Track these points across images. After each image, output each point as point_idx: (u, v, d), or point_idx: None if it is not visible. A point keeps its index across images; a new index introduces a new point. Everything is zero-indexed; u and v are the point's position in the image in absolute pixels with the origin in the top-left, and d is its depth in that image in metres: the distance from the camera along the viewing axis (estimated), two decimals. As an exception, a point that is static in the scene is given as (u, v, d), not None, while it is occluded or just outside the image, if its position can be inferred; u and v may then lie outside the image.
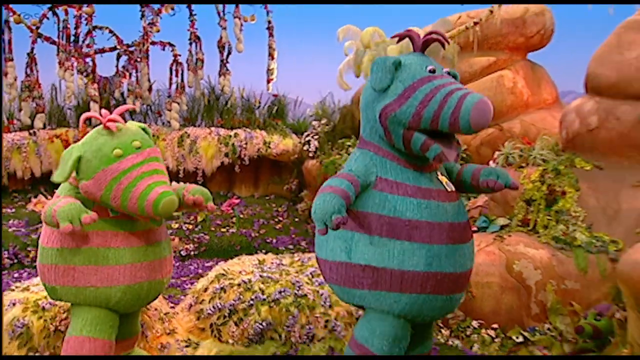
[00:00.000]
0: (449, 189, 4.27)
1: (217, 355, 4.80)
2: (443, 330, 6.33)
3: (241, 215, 11.60)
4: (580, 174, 7.03)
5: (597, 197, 6.78)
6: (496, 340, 6.07)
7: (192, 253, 10.77)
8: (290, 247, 10.74)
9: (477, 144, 11.64)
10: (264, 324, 6.18)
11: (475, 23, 7.50)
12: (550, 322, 6.10)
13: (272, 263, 7.11)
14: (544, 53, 11.42)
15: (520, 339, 6.03)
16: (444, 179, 4.34)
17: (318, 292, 6.32)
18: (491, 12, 7.48)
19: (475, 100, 3.77)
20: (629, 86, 6.90)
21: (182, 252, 10.62)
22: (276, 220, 11.69)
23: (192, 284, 8.60)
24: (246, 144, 11.83)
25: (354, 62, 7.60)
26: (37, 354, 5.62)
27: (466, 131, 3.83)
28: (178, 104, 12.01)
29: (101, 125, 4.48)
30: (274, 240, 11.02)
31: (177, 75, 12.39)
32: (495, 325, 6.20)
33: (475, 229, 7.21)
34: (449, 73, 4.18)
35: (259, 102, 12.59)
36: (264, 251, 10.14)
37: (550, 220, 6.74)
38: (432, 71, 4.03)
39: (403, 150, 4.07)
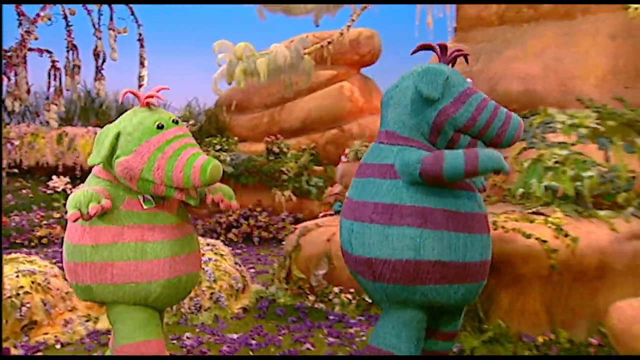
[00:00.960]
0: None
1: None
2: (310, 297, 6.72)
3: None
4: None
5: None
6: (353, 301, 6.51)
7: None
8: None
9: (323, 143, 12.29)
10: (157, 298, 6.42)
11: (329, 42, 8.01)
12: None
13: (162, 246, 7.15)
14: (374, 69, 12.34)
15: (372, 300, 6.56)
16: None
17: (203, 269, 6.57)
18: (341, 34, 8.02)
19: (520, 120, 3.86)
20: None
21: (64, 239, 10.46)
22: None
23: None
24: (121, 142, 11.79)
25: (227, 72, 7.94)
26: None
27: (506, 144, 3.83)
28: (56, 105, 11.75)
29: (137, 106, 3.95)
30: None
31: (55, 80, 12.09)
32: (352, 290, 6.60)
33: (332, 212, 7.75)
34: None
35: (132, 105, 12.52)
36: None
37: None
38: None
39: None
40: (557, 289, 4.89)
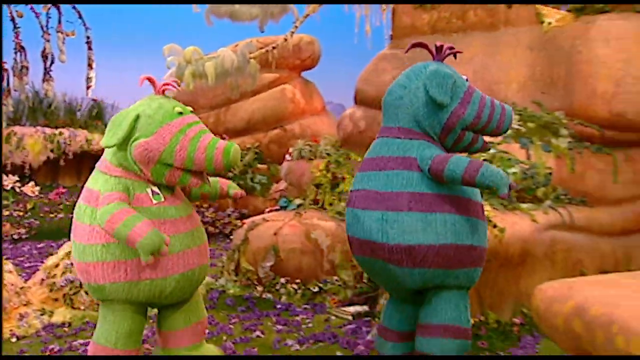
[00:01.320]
0: None
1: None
2: (258, 287, 6.81)
3: (67, 203, 11.37)
4: (355, 165, 7.83)
5: (367, 182, 7.68)
6: (299, 291, 6.68)
7: (23, 237, 10.43)
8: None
9: (266, 142, 12.38)
10: (112, 291, 6.40)
11: (274, 47, 8.13)
12: (338, 275, 6.79)
13: (115, 240, 7.08)
14: (314, 72, 12.53)
15: (317, 289, 6.66)
16: None
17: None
18: (285, 39, 8.15)
19: (510, 109, 4.02)
20: None
21: (14, 236, 10.25)
22: (100, 206, 11.62)
23: (30, 263, 8.48)
24: (70, 141, 11.60)
25: (176, 74, 7.96)
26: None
27: (503, 133, 4.01)
28: (5, 105, 11.43)
29: (151, 93, 3.82)
30: (100, 223, 10.96)
31: (3, 80, 11.74)
32: (298, 280, 6.75)
33: (278, 207, 7.87)
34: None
35: (80, 106, 12.37)
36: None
37: (335, 199, 7.44)
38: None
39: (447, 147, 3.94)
40: (486, 274, 5.10)
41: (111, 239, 3.47)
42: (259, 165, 11.98)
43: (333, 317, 6.09)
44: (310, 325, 5.87)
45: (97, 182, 3.66)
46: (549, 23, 7.16)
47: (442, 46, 4.10)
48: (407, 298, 4.13)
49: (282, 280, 6.80)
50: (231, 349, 5.02)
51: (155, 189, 3.70)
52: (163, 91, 3.77)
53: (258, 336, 5.50)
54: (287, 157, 8.23)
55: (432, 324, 3.84)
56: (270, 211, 7.84)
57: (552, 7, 7.65)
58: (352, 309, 6.14)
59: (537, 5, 7.37)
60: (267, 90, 12.09)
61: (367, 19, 7.96)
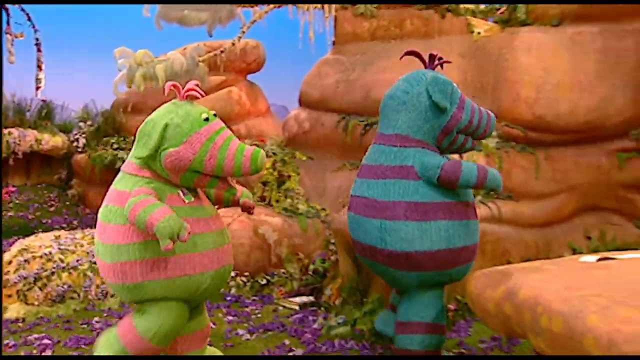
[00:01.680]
0: None
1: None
2: None
3: (17, 201, 11.04)
4: (300, 163, 7.95)
5: (311, 179, 7.73)
6: (248, 284, 6.74)
7: (-28, 235, 10.05)
8: (64, 225, 10.44)
9: (213, 141, 12.28)
10: (65, 286, 6.23)
11: (222, 51, 8.12)
12: (285, 268, 6.89)
13: (67, 238, 6.99)
14: (258, 75, 12.54)
15: (264, 281, 6.73)
16: None
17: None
18: (233, 43, 8.15)
19: (493, 115, 4.19)
20: (328, 103, 7.87)
21: (-36, 235, 9.86)
22: (49, 204, 11.29)
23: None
24: (19, 141, 11.23)
25: (127, 76, 7.85)
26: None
27: (488, 136, 4.21)
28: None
29: (175, 99, 3.70)
30: (49, 221, 10.65)
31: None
32: (247, 273, 6.79)
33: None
34: None
35: (30, 106, 11.99)
36: (40, 230, 9.80)
37: (281, 196, 7.52)
38: None
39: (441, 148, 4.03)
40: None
41: (148, 236, 3.35)
42: (207, 164, 11.88)
43: (281, 308, 6.16)
44: (259, 315, 5.92)
45: (128, 184, 3.56)
46: (479, 33, 7.41)
47: (434, 55, 4.20)
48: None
49: (232, 273, 6.76)
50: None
51: (184, 190, 3.67)
52: (187, 96, 3.66)
53: (210, 326, 5.50)
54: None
55: (413, 321, 3.99)
56: (219, 208, 7.80)
57: (481, 18, 7.92)
58: (298, 299, 6.22)
59: (468, 17, 7.62)
60: (214, 92, 12.01)
61: (310, 26, 8.05)
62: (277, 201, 7.48)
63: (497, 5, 8.00)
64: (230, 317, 5.81)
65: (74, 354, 4.83)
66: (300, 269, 6.76)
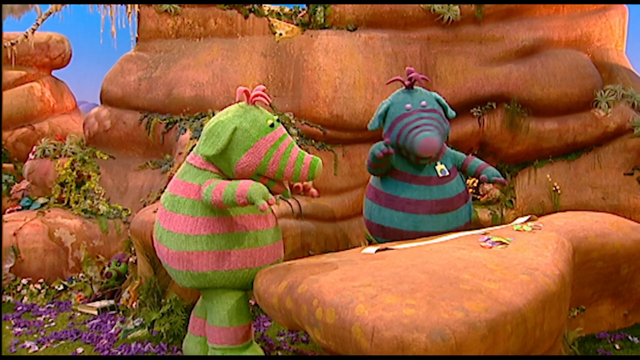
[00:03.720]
0: (441, 175, 4.71)
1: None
2: None
3: None
4: (101, 162, 7.46)
5: (113, 179, 7.29)
6: (42, 291, 6.16)
7: None
8: None
9: (13, 141, 11.15)
10: None
11: (12, 44, 7.33)
12: (84, 272, 6.40)
13: None
14: (66, 72, 11.64)
15: (61, 287, 6.18)
16: (439, 168, 4.65)
17: None
18: (26, 36, 7.40)
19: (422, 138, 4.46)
20: (130, 100, 7.46)
21: None
22: None
23: None
24: None
25: None
26: None
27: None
28: None
29: (243, 102, 3.79)
30: None
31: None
32: (41, 280, 6.20)
33: (19, 207, 7.13)
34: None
35: None
36: None
37: (80, 197, 7.00)
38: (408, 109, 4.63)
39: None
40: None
41: (216, 229, 3.65)
42: (5, 165, 10.76)
43: (78, 314, 5.70)
44: (53, 324, 5.42)
45: (197, 178, 3.74)
46: (280, 34, 7.46)
47: (411, 78, 4.78)
48: None
49: (24, 281, 6.20)
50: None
51: None
52: (254, 102, 3.76)
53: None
54: (31, 155, 7.51)
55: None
56: (11, 211, 7.08)
57: (286, 21, 7.98)
58: (98, 304, 5.80)
59: (271, 18, 7.64)
60: (12, 87, 10.88)
61: (112, 21, 7.55)
62: (77, 202, 6.93)
63: (300, 8, 8.11)
64: (19, 329, 5.24)
65: None
66: (101, 272, 6.31)
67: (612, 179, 7.08)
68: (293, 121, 6.82)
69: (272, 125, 3.71)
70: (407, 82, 4.79)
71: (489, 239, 3.91)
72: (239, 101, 3.83)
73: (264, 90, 3.83)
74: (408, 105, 4.66)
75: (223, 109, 6.87)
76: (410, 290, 2.88)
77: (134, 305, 5.20)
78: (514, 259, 3.45)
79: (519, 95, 7.19)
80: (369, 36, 7.34)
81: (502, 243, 3.79)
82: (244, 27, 7.57)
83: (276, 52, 7.35)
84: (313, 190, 4.06)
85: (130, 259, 5.79)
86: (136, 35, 7.78)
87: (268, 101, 3.85)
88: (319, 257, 3.85)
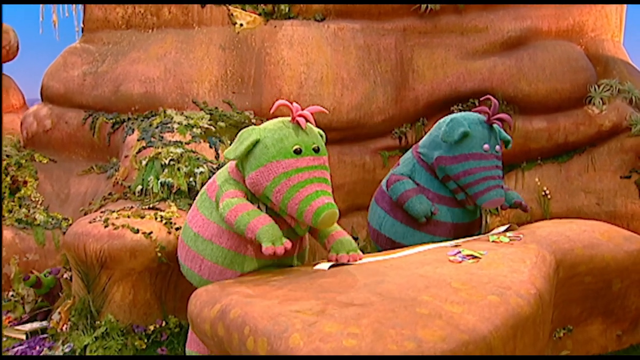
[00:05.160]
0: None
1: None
2: None
3: None
4: (39, 167, 7.16)
5: (53, 185, 7.00)
6: None
7: None
8: None
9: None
10: None
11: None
12: (14, 290, 6.05)
13: None
14: (13, 66, 11.27)
15: (-15, 309, 5.88)
16: None
17: None
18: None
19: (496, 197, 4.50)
20: (74, 97, 7.17)
21: None
22: None
23: None
24: None
25: None
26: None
27: None
28: None
29: (288, 117, 3.58)
30: None
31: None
32: None
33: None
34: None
35: None
36: None
37: (15, 205, 6.70)
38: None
39: None
40: (167, 278, 4.91)
41: (234, 247, 3.67)
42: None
43: (5, 339, 5.37)
44: None
45: (220, 177, 3.79)
46: (241, 25, 7.22)
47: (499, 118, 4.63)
48: None
49: None
50: None
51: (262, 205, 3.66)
52: (297, 121, 3.53)
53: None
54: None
55: None
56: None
57: (251, 11, 7.73)
58: (29, 326, 5.48)
59: (231, 7, 7.37)
60: (-52, 83, 10.52)
61: (53, 9, 7.25)
62: (11, 211, 6.61)
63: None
64: None
65: None
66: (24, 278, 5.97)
67: (607, 182, 6.89)
68: (254, 120, 6.58)
69: (297, 152, 3.44)
70: (491, 118, 4.58)
71: (459, 252, 3.66)
72: (274, 115, 3.73)
73: (312, 113, 3.62)
74: (486, 146, 4.49)
75: (175, 106, 6.76)
76: (356, 316, 2.62)
77: (64, 328, 4.90)
78: (484, 277, 3.20)
79: (504, 91, 6.99)
80: (338, 27, 7.13)
81: (474, 257, 3.55)
82: (200, 16, 7.31)
83: (236, 45, 7.11)
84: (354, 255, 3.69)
85: (65, 275, 5.49)
86: (81, 25, 7.49)
87: (311, 123, 3.63)
88: (264, 274, 3.59)
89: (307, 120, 3.59)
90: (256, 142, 3.51)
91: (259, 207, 3.62)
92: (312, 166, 3.48)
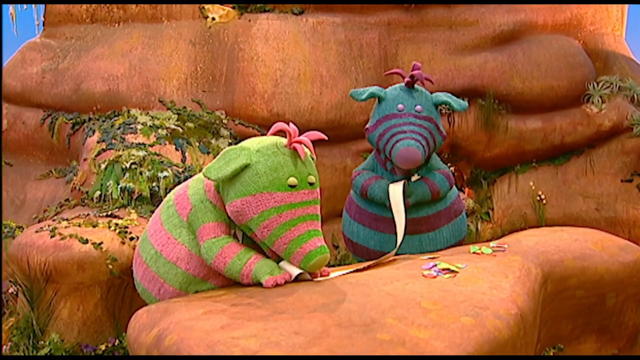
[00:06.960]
0: None
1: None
2: None
3: None
4: (-4, 170, 6.99)
5: (8, 190, 6.77)
6: None
7: None
8: None
9: None
10: None
11: None
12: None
13: None
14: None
15: None
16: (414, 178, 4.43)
17: None
18: None
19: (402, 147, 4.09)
20: (32, 96, 7.00)
21: None
22: None
23: None
24: None
25: None
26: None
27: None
28: None
29: (282, 139, 3.18)
30: None
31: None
32: None
33: None
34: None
35: None
36: None
37: (-29, 214, 6.50)
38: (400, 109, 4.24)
39: None
40: (121, 293, 4.67)
41: (197, 273, 3.39)
42: None
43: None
44: None
45: (195, 196, 3.42)
46: (213, 19, 7.02)
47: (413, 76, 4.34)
48: None
49: None
50: None
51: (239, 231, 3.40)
52: (294, 148, 3.16)
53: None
54: None
55: None
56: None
57: (225, 5, 7.56)
58: (-26, 346, 5.19)
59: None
60: None
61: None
62: (-32, 221, 6.37)
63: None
64: None
65: None
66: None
67: (607, 186, 6.78)
68: (225, 121, 6.36)
69: (292, 187, 3.15)
70: (407, 79, 4.34)
71: (435, 265, 3.40)
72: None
73: (313, 140, 3.23)
74: (400, 106, 4.26)
75: (141, 106, 6.54)
76: (306, 344, 2.36)
77: (4, 349, 4.63)
78: (460, 294, 2.93)
79: (496, 89, 6.88)
80: (317, 21, 6.99)
81: (451, 271, 3.29)
82: (170, 10, 7.14)
83: (207, 40, 6.95)
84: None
85: (11, 289, 5.22)
86: (42, 18, 7.28)
87: (311, 151, 3.29)
88: (214, 292, 3.32)
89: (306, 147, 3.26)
90: (245, 167, 3.17)
91: (234, 233, 3.39)
92: (306, 201, 3.24)
